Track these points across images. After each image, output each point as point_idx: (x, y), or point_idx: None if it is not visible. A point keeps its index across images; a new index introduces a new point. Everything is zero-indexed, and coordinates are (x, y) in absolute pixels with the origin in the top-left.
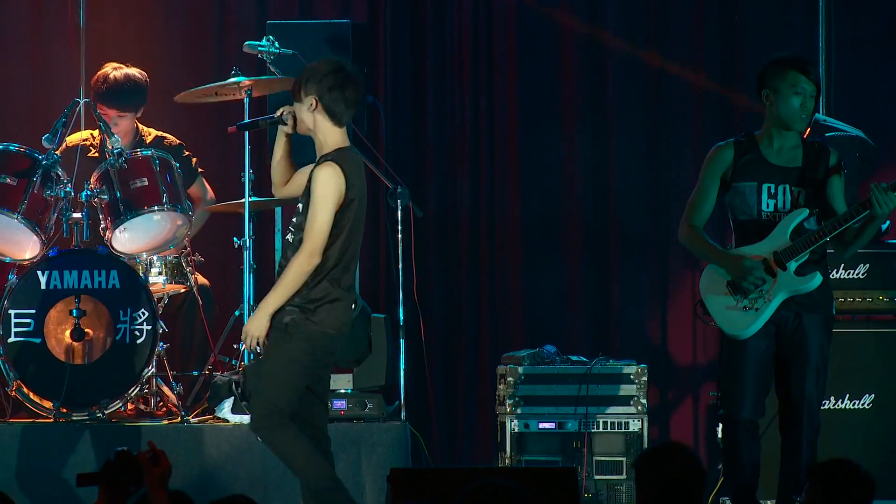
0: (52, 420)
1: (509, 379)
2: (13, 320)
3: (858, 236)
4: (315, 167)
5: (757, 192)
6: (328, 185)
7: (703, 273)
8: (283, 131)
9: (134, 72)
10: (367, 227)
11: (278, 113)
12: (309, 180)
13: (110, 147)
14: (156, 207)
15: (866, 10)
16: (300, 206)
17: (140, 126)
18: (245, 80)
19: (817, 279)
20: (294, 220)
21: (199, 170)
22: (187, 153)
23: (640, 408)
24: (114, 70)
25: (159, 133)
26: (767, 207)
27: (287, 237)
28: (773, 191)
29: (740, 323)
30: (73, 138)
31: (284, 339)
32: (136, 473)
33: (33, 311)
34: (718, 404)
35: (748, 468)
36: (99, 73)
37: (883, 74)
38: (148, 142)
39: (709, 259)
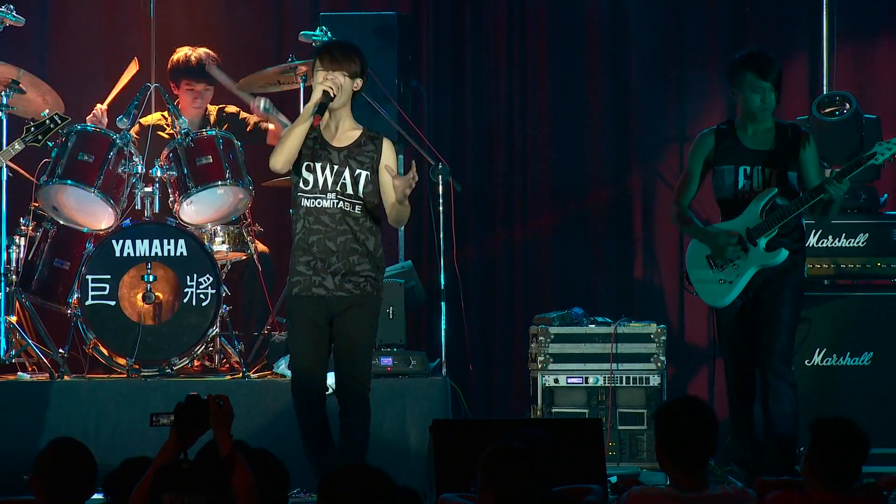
0: (125, 375)
1: (540, 338)
2: (90, 285)
3: (825, 213)
4: (380, 139)
5: (735, 174)
6: None
7: (688, 247)
8: (316, 106)
9: (209, 50)
10: (411, 199)
11: (333, 91)
12: (374, 146)
13: (178, 128)
14: (219, 182)
15: None
16: (352, 174)
17: (208, 105)
18: (300, 64)
19: (783, 254)
20: (343, 189)
21: (255, 120)
22: (244, 116)
23: (659, 364)
24: (192, 50)
25: (219, 105)
26: (744, 187)
27: (340, 205)
28: (748, 172)
29: (717, 294)
30: (148, 119)
31: (372, 312)
32: (204, 415)
33: (108, 277)
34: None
35: (744, 422)
36: (177, 56)
37: (884, 61)
38: (213, 115)
39: (691, 235)
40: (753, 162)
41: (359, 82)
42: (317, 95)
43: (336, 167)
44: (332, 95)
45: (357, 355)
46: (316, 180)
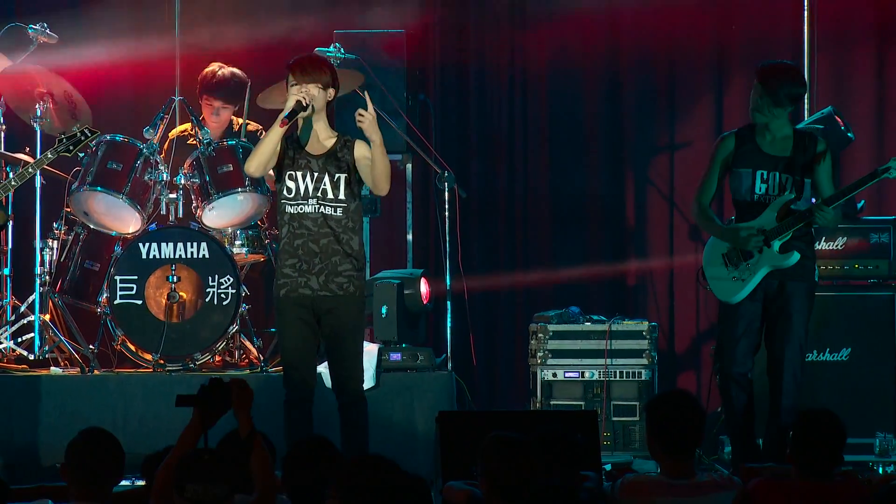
0: (151, 370)
1: (540, 335)
2: (118, 285)
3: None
4: (352, 142)
5: (752, 177)
6: None
7: (706, 245)
8: (294, 117)
9: (238, 72)
10: (418, 206)
11: (305, 101)
12: (348, 150)
13: (201, 138)
14: (239, 189)
15: (846, 11)
16: (332, 179)
17: (232, 118)
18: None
19: (794, 257)
20: (324, 194)
21: None
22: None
23: (650, 360)
24: (220, 68)
25: (245, 122)
26: (760, 190)
27: (322, 209)
28: (765, 176)
29: (730, 291)
30: (175, 132)
31: (357, 310)
32: (225, 397)
33: (135, 278)
34: (714, 359)
35: (740, 412)
36: (207, 70)
37: (862, 68)
38: (236, 129)
39: (711, 233)
40: (771, 167)
41: (331, 92)
42: (290, 104)
43: (316, 174)
44: (305, 105)
45: (348, 354)
46: (297, 188)
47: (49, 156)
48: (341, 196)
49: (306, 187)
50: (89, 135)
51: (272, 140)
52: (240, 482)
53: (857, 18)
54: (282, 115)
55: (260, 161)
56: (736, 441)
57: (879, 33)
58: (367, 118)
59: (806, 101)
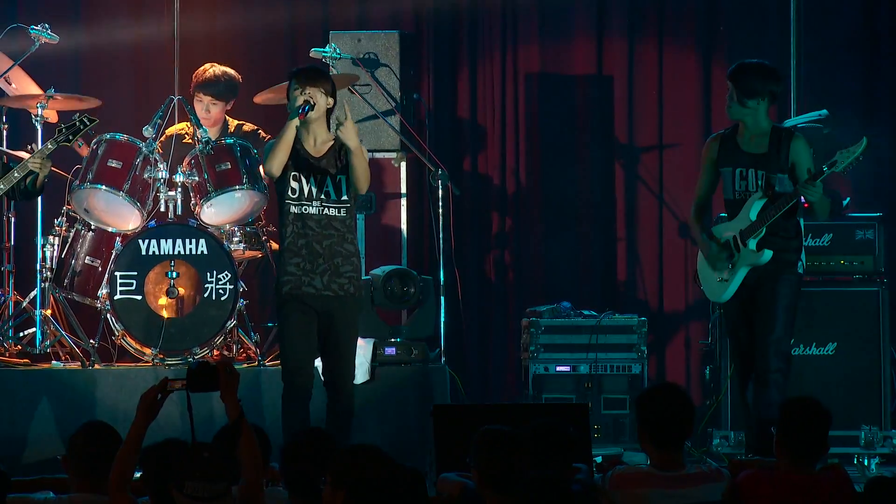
0: (150, 364)
1: (532, 330)
2: (118, 281)
3: (812, 213)
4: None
5: (732, 175)
6: None
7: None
8: (307, 113)
9: (230, 70)
10: (413, 202)
11: (312, 102)
12: (344, 153)
13: (199, 137)
14: (237, 187)
15: (833, 17)
16: (334, 181)
17: (227, 118)
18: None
19: (767, 254)
20: (327, 196)
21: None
22: (262, 134)
23: (640, 354)
24: (212, 67)
25: (239, 122)
26: (740, 188)
27: (325, 211)
28: (744, 174)
29: (718, 291)
30: (172, 129)
31: (355, 310)
32: (212, 380)
33: (135, 273)
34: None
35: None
36: (201, 68)
37: (844, 76)
38: (231, 129)
39: (695, 240)
40: (748, 165)
41: (330, 100)
42: (299, 102)
43: (319, 176)
44: (313, 104)
45: (344, 355)
46: (301, 189)
47: (49, 146)
48: (344, 196)
49: (310, 189)
50: (88, 123)
51: (289, 138)
52: (237, 477)
53: (844, 25)
54: (295, 111)
55: (281, 160)
56: (752, 436)
57: (867, 40)
58: (346, 127)
59: (793, 102)
